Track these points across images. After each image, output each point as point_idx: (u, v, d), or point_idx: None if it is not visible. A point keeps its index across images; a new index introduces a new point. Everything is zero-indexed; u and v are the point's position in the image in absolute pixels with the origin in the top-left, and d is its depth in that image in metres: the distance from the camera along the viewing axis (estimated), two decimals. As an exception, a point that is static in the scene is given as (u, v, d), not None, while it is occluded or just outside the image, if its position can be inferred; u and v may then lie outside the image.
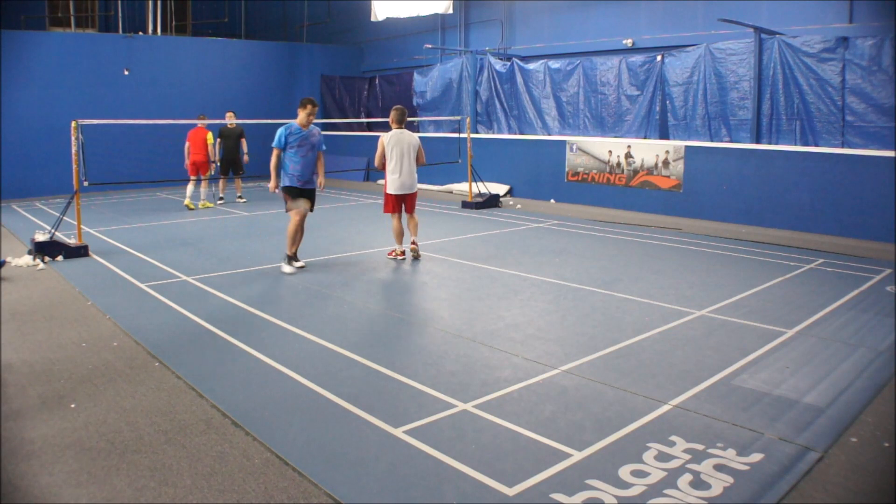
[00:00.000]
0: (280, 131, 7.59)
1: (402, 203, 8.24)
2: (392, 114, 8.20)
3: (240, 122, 13.54)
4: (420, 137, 8.55)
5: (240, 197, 14.09)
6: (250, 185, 17.05)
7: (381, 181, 17.91)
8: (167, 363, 4.89)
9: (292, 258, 7.74)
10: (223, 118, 13.67)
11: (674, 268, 7.92)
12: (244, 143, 13.69)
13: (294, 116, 7.88)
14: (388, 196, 8.24)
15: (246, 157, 13.76)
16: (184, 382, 4.55)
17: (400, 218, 8.27)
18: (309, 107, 7.63)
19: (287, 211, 7.75)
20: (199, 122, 12.78)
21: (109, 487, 3.26)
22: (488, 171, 14.71)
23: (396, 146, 8.04)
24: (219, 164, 13.52)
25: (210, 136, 12.98)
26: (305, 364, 4.84)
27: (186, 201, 13.12)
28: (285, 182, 7.70)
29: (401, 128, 8.16)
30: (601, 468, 3.38)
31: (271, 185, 7.83)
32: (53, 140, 15.08)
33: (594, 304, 6.40)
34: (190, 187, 13.15)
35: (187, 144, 12.92)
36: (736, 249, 8.98)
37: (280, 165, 7.68)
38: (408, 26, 18.19)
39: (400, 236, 8.30)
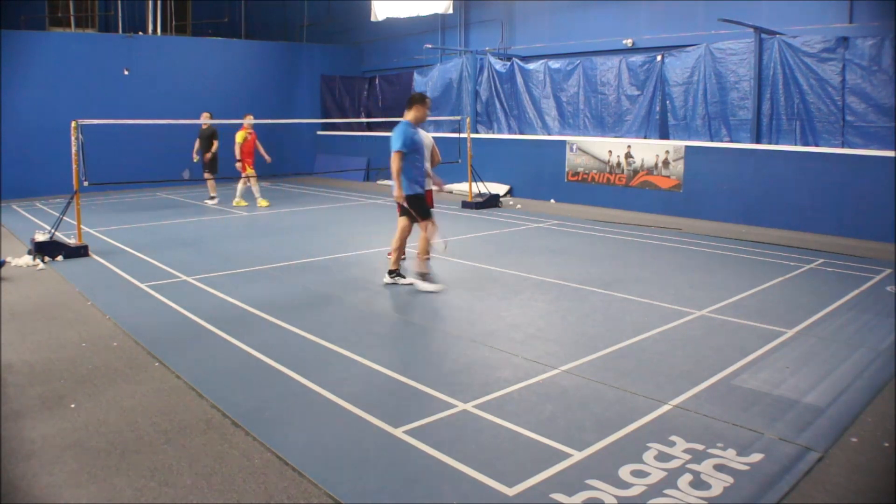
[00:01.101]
0: (403, 131, 6.72)
1: None
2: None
3: (240, 122, 13.56)
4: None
5: (212, 197, 13.99)
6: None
7: (381, 181, 17.96)
8: (167, 363, 4.89)
9: (398, 273, 7.14)
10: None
11: (674, 268, 7.92)
12: (215, 143, 13.52)
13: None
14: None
15: (207, 156, 13.52)
16: (184, 382, 4.55)
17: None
18: (428, 101, 6.98)
19: (423, 221, 6.91)
20: (245, 122, 13.08)
21: (109, 487, 3.26)
22: (488, 171, 14.70)
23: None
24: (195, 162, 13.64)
25: (238, 135, 13.09)
26: (305, 364, 4.84)
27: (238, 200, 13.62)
28: (412, 190, 6.87)
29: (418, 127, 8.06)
30: (601, 468, 3.38)
31: (398, 193, 6.82)
32: (53, 140, 15.05)
33: (594, 304, 6.40)
34: (240, 186, 13.59)
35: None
36: (736, 249, 8.98)
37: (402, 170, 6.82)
38: (408, 26, 18.17)
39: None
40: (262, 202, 13.37)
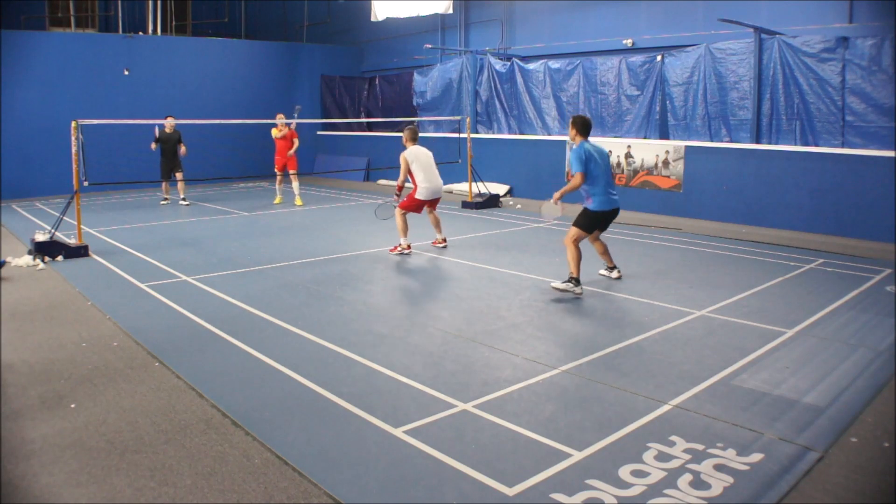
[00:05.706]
0: (581, 152, 6.79)
1: (423, 205, 8.69)
2: (406, 133, 8.75)
3: (240, 122, 13.62)
4: (420, 138, 8.98)
5: (183, 199, 13.86)
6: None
7: (381, 181, 17.96)
8: (167, 363, 4.89)
9: (578, 280, 6.72)
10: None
11: (674, 268, 7.92)
12: (182, 146, 13.50)
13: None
14: (415, 199, 8.58)
15: (183, 150, 13.53)
16: (184, 382, 4.55)
17: (405, 216, 8.66)
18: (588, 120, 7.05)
19: (578, 228, 6.98)
20: (279, 122, 13.56)
21: (109, 487, 3.26)
22: (488, 171, 14.70)
23: (419, 160, 8.55)
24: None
25: (274, 132, 13.67)
26: (305, 364, 4.84)
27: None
28: (595, 206, 6.98)
29: (415, 144, 8.69)
30: (601, 468, 3.38)
31: (557, 196, 7.17)
32: (53, 140, 15.06)
33: (594, 304, 6.40)
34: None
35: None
36: (736, 249, 8.98)
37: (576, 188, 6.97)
38: (408, 26, 18.17)
39: (406, 231, 8.63)
40: (278, 199, 14.14)
